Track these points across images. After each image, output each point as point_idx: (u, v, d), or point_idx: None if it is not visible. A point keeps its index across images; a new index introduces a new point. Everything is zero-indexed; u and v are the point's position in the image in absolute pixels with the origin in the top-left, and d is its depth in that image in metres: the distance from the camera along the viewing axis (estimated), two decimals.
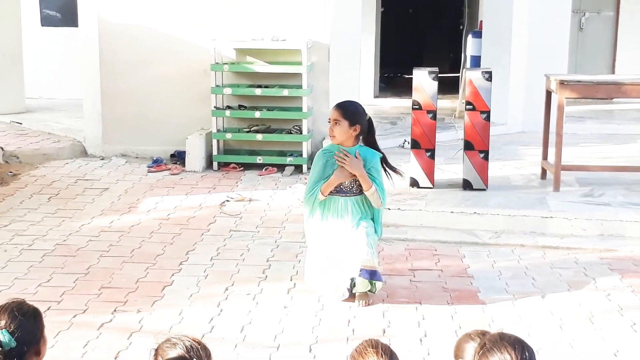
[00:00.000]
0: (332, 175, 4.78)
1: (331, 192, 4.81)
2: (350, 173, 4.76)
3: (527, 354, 2.44)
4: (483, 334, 2.67)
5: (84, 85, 8.69)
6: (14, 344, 2.51)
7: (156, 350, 2.56)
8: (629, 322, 4.60)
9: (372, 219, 4.87)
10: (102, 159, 8.45)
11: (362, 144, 4.88)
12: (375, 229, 4.84)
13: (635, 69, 9.82)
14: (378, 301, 4.87)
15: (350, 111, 4.82)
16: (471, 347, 2.67)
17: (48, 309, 4.62)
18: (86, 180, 7.68)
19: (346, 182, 4.80)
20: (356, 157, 4.75)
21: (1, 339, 2.51)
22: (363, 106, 4.99)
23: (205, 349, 2.54)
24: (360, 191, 4.82)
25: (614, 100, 10.38)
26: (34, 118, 10.17)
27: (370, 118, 4.92)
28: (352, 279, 4.80)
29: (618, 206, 6.30)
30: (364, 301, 4.81)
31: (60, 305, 4.77)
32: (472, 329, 2.69)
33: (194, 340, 2.54)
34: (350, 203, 4.82)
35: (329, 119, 4.85)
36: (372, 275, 4.73)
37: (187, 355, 2.48)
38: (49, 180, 7.65)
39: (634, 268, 5.46)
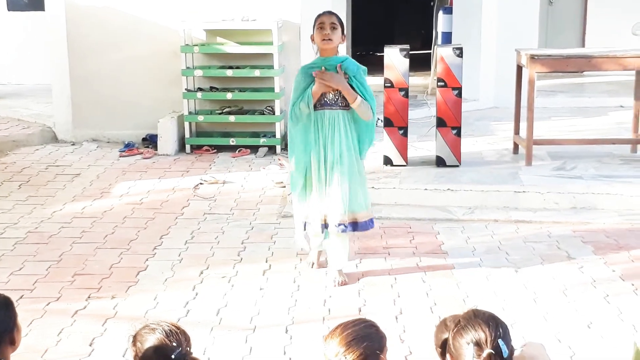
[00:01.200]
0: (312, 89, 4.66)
1: (317, 107, 4.69)
2: (328, 85, 4.65)
3: (500, 330, 2.46)
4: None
5: (52, 70, 8.58)
6: None
7: (134, 336, 2.54)
8: (602, 293, 4.65)
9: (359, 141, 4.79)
10: (73, 145, 8.36)
11: (348, 56, 4.81)
12: (360, 150, 4.77)
13: (605, 41, 9.86)
14: (353, 280, 4.87)
15: (340, 19, 4.77)
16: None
17: (21, 297, 4.58)
18: (57, 166, 7.59)
19: (330, 95, 4.67)
20: (337, 71, 4.65)
21: None
22: None
23: (184, 333, 2.53)
24: (346, 104, 4.70)
25: (585, 73, 10.45)
26: (2, 104, 10.03)
27: None
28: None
29: (590, 179, 6.34)
30: (340, 280, 4.81)
31: (33, 293, 4.73)
32: (449, 315, 2.68)
33: (173, 325, 2.53)
34: (340, 117, 4.70)
35: (321, 23, 4.66)
36: (352, 227, 4.76)
37: (166, 340, 2.47)
38: (19, 167, 7.56)
39: (606, 240, 5.51)
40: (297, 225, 4.94)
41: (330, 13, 4.76)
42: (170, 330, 2.50)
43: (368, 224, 4.85)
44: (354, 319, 2.59)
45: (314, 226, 4.82)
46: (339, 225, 4.71)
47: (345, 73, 4.68)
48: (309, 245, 4.97)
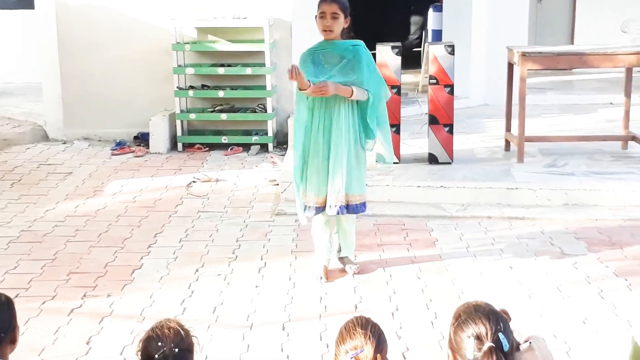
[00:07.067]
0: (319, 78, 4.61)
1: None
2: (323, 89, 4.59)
3: (501, 324, 2.48)
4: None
5: (42, 68, 8.54)
6: None
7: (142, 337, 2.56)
8: (596, 289, 4.68)
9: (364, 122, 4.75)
10: (64, 143, 8.34)
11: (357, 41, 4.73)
12: (367, 131, 4.74)
13: (594, 39, 9.91)
14: (349, 277, 4.89)
15: (344, 3, 4.68)
16: None
17: (16, 296, 4.56)
18: (49, 165, 7.57)
19: (334, 72, 4.63)
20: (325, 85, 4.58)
21: None
22: None
23: (178, 333, 2.52)
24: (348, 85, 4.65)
25: (574, 70, 10.49)
26: None
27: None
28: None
29: (581, 175, 6.38)
30: (356, 267, 4.91)
31: (28, 292, 4.72)
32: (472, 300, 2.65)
33: (171, 325, 2.53)
34: (342, 100, 4.64)
35: (322, 12, 4.62)
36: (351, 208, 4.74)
37: (155, 339, 2.49)
38: (10, 166, 7.53)
39: (599, 236, 5.55)
40: (299, 208, 4.82)
41: (332, 0, 4.65)
42: (165, 330, 2.52)
43: (359, 207, 4.79)
44: (356, 318, 2.59)
45: (310, 210, 4.75)
46: (335, 206, 4.67)
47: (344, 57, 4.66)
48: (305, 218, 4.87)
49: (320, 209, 4.74)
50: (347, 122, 4.69)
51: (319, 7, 4.68)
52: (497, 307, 2.52)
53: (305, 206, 4.77)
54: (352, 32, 4.77)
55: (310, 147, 4.73)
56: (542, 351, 2.53)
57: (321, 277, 4.87)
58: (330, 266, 4.96)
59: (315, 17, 4.70)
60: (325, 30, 4.67)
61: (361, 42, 4.75)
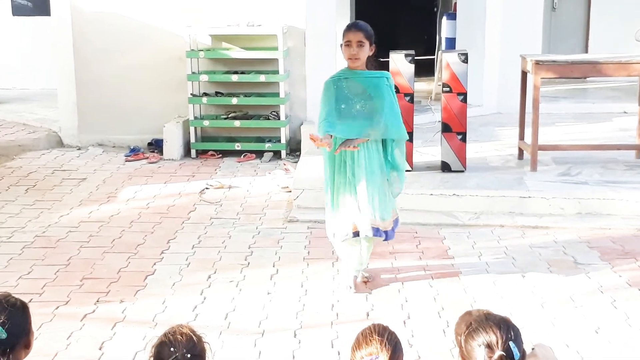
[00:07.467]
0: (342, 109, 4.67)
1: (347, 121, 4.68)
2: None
3: (512, 333, 2.48)
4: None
5: (57, 74, 8.60)
6: (4, 335, 2.51)
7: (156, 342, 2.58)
8: (609, 299, 4.66)
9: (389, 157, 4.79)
10: (79, 149, 8.39)
11: (377, 68, 4.78)
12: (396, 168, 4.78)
13: (608, 47, 9.89)
14: (361, 285, 4.89)
15: (369, 31, 4.71)
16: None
17: (30, 301, 4.52)
18: (63, 170, 7.62)
19: (357, 106, 4.69)
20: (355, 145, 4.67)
21: None
22: None
23: (190, 339, 2.54)
24: (372, 117, 4.69)
25: (588, 79, 10.47)
26: (7, 109, 10.06)
27: None
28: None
29: (595, 184, 6.36)
30: (367, 275, 4.94)
31: (42, 297, 4.75)
32: (474, 309, 2.66)
33: (185, 332, 2.54)
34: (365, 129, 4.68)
35: (347, 41, 4.64)
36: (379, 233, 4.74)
37: (167, 345, 2.50)
38: (25, 171, 7.58)
39: (612, 246, 5.52)
40: (330, 237, 4.89)
41: (357, 29, 4.68)
42: (177, 336, 2.54)
43: (391, 233, 4.84)
44: (374, 325, 2.59)
45: (340, 236, 4.76)
46: (373, 229, 4.68)
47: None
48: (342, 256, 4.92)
49: (355, 233, 4.74)
50: (369, 153, 4.69)
51: (344, 35, 4.71)
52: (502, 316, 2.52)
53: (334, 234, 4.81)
54: (377, 60, 4.79)
55: (336, 185, 4.74)
56: (548, 359, 2.53)
57: (351, 287, 4.84)
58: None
59: (341, 45, 4.74)
60: (351, 59, 4.70)
61: (384, 74, 4.76)
